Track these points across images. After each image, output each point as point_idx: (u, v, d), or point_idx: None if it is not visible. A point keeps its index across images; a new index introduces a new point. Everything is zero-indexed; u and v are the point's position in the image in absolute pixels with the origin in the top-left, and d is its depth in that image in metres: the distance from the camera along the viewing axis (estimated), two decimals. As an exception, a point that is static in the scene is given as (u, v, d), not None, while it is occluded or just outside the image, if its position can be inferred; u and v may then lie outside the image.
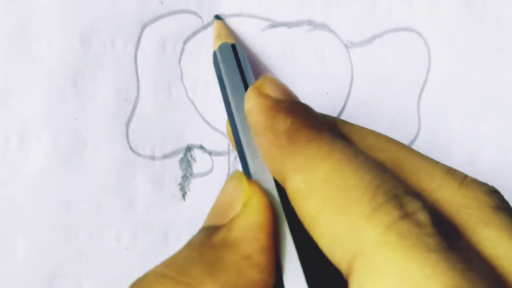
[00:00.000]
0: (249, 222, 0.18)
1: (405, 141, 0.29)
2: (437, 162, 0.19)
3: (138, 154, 0.29)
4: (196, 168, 0.29)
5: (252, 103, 0.20)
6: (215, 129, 0.29)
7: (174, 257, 0.18)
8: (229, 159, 0.29)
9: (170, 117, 0.29)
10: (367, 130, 0.21)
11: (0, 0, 0.27)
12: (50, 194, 0.28)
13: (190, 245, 0.18)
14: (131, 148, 0.29)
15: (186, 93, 0.29)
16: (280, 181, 0.19)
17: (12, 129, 0.28)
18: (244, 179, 0.20)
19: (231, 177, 0.20)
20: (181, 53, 0.29)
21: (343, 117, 0.29)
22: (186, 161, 0.29)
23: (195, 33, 0.29)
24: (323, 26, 0.30)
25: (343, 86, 0.30)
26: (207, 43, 0.29)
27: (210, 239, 0.18)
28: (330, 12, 0.29)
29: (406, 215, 0.16)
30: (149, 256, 0.29)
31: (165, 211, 0.29)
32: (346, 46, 0.30)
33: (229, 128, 0.24)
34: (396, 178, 0.17)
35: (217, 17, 0.29)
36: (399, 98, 0.29)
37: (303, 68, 0.30)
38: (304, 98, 0.29)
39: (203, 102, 0.29)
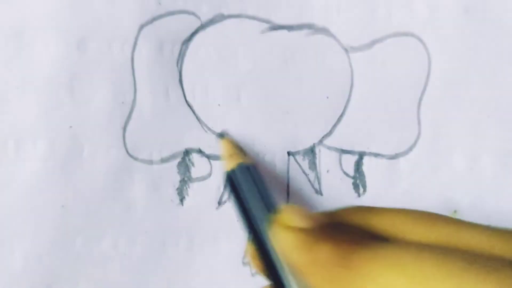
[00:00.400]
0: None
1: (405, 146, 0.29)
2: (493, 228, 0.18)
3: (135, 159, 0.28)
4: (195, 172, 0.29)
5: (284, 241, 0.19)
6: (214, 132, 0.29)
7: None
8: (227, 163, 0.29)
9: (167, 121, 0.29)
10: (403, 217, 0.19)
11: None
12: (46, 199, 0.28)
13: None
14: (128, 152, 0.28)
15: (184, 96, 0.29)
16: None
17: (8, 134, 0.27)
18: None
19: None
20: (179, 55, 0.29)
21: (343, 121, 0.29)
22: (184, 165, 0.29)
23: (193, 34, 0.29)
24: (324, 30, 0.29)
25: (343, 90, 0.29)
26: (206, 44, 0.29)
27: None
28: (330, 16, 0.29)
29: None
30: (147, 262, 0.28)
31: (163, 216, 0.29)
32: (346, 50, 0.29)
33: (253, 253, 0.23)
34: (473, 255, 0.16)
35: (221, 135, 0.28)
36: (399, 103, 0.29)
37: (303, 72, 0.29)
38: (304, 102, 0.29)
39: (202, 105, 0.29)
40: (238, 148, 0.28)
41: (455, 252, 0.16)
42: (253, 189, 0.25)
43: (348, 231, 0.18)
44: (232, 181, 0.26)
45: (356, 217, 0.20)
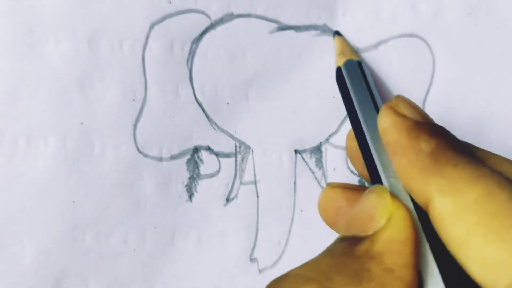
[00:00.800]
0: (394, 236, 0.18)
1: (409, 146, 0.30)
2: None
3: (145, 155, 0.29)
4: (203, 169, 0.29)
5: (389, 121, 0.20)
6: (223, 130, 0.30)
7: (316, 262, 0.18)
8: (236, 160, 0.30)
9: (177, 118, 0.29)
10: (500, 157, 0.21)
11: (6, 1, 0.27)
12: (57, 195, 0.28)
13: (331, 253, 0.18)
14: (138, 149, 0.29)
15: (194, 94, 0.29)
16: (420, 202, 0.19)
17: (20, 131, 0.27)
18: (387, 194, 0.20)
19: (371, 190, 0.20)
20: (189, 53, 0.29)
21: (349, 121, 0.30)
22: (193, 163, 0.29)
23: (203, 33, 0.29)
24: (330, 32, 0.30)
25: (349, 90, 0.30)
26: (216, 43, 0.29)
27: (353, 249, 0.18)
28: (336, 18, 0.30)
29: None
30: (156, 257, 0.29)
31: (172, 212, 0.29)
32: (353, 50, 0.30)
33: (351, 145, 0.24)
34: None
35: (337, 33, 0.29)
36: (404, 103, 0.30)
37: (310, 72, 0.30)
38: (311, 101, 0.30)
39: (211, 103, 0.29)
40: (352, 47, 0.29)
41: None
42: (361, 84, 0.25)
43: (453, 137, 0.20)
44: (341, 76, 0.27)
45: (474, 149, 0.21)
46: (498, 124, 0.30)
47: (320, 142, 0.30)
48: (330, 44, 0.30)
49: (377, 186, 0.20)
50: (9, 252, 0.28)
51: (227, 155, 0.30)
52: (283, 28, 0.30)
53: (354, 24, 0.30)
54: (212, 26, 0.29)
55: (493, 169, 0.19)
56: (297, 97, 0.30)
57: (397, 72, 0.30)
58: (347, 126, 0.30)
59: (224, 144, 0.30)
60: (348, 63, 0.27)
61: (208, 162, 0.29)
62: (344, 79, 0.26)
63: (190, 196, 0.29)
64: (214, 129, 0.29)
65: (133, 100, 0.29)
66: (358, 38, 0.30)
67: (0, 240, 0.28)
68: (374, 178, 0.22)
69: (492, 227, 0.16)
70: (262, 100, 0.30)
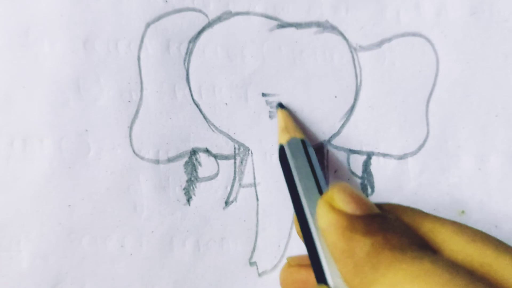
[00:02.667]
0: None
1: (414, 146, 0.30)
2: None
3: (142, 158, 0.29)
4: (202, 172, 0.29)
5: (326, 221, 0.19)
6: (221, 131, 0.29)
7: None
8: (235, 162, 0.29)
9: (174, 120, 0.29)
10: (449, 227, 0.19)
11: (2, 2, 0.26)
12: (53, 199, 0.28)
13: None
14: (134, 151, 0.28)
15: (191, 95, 0.29)
16: None
17: (15, 133, 0.27)
18: None
19: None
20: (186, 53, 0.29)
21: (351, 121, 0.29)
22: (191, 165, 0.29)
23: (200, 32, 0.29)
24: (332, 29, 0.29)
25: (351, 89, 0.30)
26: (213, 42, 0.29)
27: None
28: (339, 15, 0.29)
29: None
30: (154, 261, 0.29)
31: (169, 216, 0.29)
32: (355, 49, 0.29)
33: (298, 228, 0.23)
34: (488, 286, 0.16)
35: (281, 105, 0.28)
36: (407, 103, 0.30)
37: (312, 71, 0.29)
38: (312, 101, 0.29)
39: (209, 104, 0.29)
40: (296, 123, 0.28)
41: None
42: (304, 164, 0.24)
43: (393, 229, 0.19)
44: (283, 154, 0.26)
45: (404, 216, 0.20)
46: (501, 124, 0.29)
47: (322, 143, 0.30)
48: (333, 41, 0.29)
49: None
50: (6, 256, 0.28)
51: (225, 157, 0.29)
52: (283, 25, 0.29)
53: (357, 22, 0.29)
54: (209, 25, 0.29)
55: (440, 259, 0.17)
56: (297, 97, 0.29)
57: (400, 71, 0.30)
58: (350, 126, 0.30)
59: (223, 146, 0.29)
60: (292, 141, 0.26)
61: (206, 165, 0.29)
62: (286, 159, 0.25)
63: (188, 200, 0.29)
64: (212, 130, 0.29)
65: (129, 101, 0.28)
66: (361, 35, 0.30)
67: (-4, 244, 0.28)
68: (319, 275, 0.20)
69: None
70: (261, 100, 0.29)
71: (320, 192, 0.23)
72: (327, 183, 0.29)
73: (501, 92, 0.29)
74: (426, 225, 0.19)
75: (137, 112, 0.29)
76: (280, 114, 0.28)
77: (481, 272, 0.17)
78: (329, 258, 0.20)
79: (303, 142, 0.26)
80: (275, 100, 0.29)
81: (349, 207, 0.19)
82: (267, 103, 0.29)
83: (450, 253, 0.18)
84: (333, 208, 0.19)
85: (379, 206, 0.20)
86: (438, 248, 0.19)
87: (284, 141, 0.26)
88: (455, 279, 0.16)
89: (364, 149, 0.30)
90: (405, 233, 0.19)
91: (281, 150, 0.26)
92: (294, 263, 0.24)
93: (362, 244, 0.18)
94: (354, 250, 0.18)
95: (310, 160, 0.25)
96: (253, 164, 0.29)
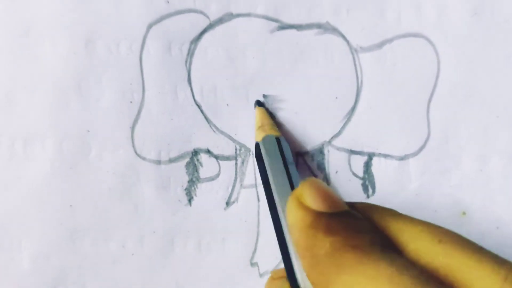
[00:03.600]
0: None
1: (415, 147, 0.30)
2: (503, 261, 0.18)
3: (143, 159, 0.29)
4: (203, 172, 0.29)
5: (292, 218, 0.19)
6: (223, 132, 0.29)
7: None
8: (236, 163, 0.30)
9: (176, 121, 0.29)
10: (417, 227, 0.19)
11: (3, 3, 0.27)
12: (54, 199, 0.28)
13: None
14: (136, 152, 0.29)
15: (193, 96, 0.29)
16: None
17: (17, 134, 0.28)
18: None
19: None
20: (188, 54, 0.29)
21: (352, 122, 0.30)
22: (193, 166, 0.29)
23: (202, 33, 0.29)
24: (333, 30, 0.30)
25: (352, 90, 0.30)
26: (215, 44, 0.29)
27: None
28: (339, 16, 0.29)
29: None
30: (155, 262, 0.29)
31: (171, 217, 0.29)
32: (355, 50, 0.30)
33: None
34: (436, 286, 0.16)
35: (258, 103, 0.29)
36: (408, 104, 0.30)
37: (312, 72, 0.30)
38: (313, 102, 0.30)
39: (210, 105, 0.29)
40: (272, 121, 0.28)
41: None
42: (277, 162, 0.25)
43: (356, 228, 0.19)
44: (259, 152, 0.26)
45: (375, 215, 0.20)
46: (503, 125, 0.30)
47: (323, 144, 0.30)
48: (333, 43, 0.30)
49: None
50: (7, 257, 0.28)
51: (227, 158, 0.30)
52: (284, 27, 0.30)
53: (358, 22, 0.30)
54: (211, 26, 0.29)
55: (399, 262, 0.17)
56: (298, 98, 0.30)
57: (401, 72, 0.30)
58: (351, 127, 0.30)
59: (224, 147, 0.30)
60: (266, 139, 0.26)
61: (207, 165, 0.29)
62: (261, 156, 0.26)
63: (190, 200, 0.29)
64: (214, 131, 0.29)
65: (131, 102, 0.29)
66: (362, 36, 0.30)
67: (-2, 244, 0.28)
68: (289, 273, 0.21)
69: None
70: (262, 102, 0.30)
71: (293, 189, 0.23)
72: (328, 184, 0.30)
73: (502, 93, 0.30)
74: (395, 224, 0.19)
75: (138, 113, 0.29)
76: (257, 112, 0.28)
77: (445, 273, 0.17)
78: (297, 256, 0.20)
79: (277, 139, 0.26)
80: (275, 100, 0.30)
81: (315, 203, 0.19)
82: (268, 104, 0.29)
83: (416, 253, 0.18)
84: (301, 204, 0.19)
85: (351, 205, 0.21)
86: (403, 248, 0.19)
87: (259, 139, 0.26)
88: (407, 281, 0.16)
89: (365, 150, 0.30)
90: (369, 233, 0.19)
91: (257, 147, 0.26)
92: (277, 276, 0.24)
93: (323, 243, 0.18)
94: (315, 248, 0.18)
95: (284, 158, 0.25)
96: (254, 165, 0.30)
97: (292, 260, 0.20)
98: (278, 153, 0.25)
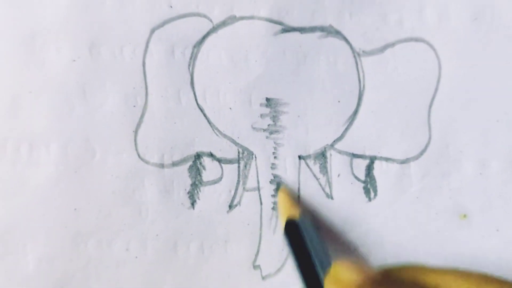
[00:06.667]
0: None
1: (416, 151, 0.31)
2: None
3: (147, 162, 0.30)
4: (206, 176, 0.30)
5: None
6: (225, 136, 0.30)
7: None
8: (239, 166, 0.30)
9: (179, 124, 0.30)
10: (454, 275, 0.20)
11: (8, 9, 0.27)
12: (59, 203, 0.29)
13: None
14: (139, 156, 0.30)
15: (196, 100, 0.30)
16: None
17: (22, 138, 0.29)
18: None
19: None
20: (191, 58, 0.30)
21: (354, 126, 0.31)
22: (196, 169, 0.30)
23: (205, 36, 0.30)
24: (336, 33, 0.30)
25: (354, 94, 0.31)
26: (218, 47, 0.30)
27: None
28: (342, 20, 0.30)
29: None
30: (158, 265, 0.30)
31: (174, 220, 0.30)
32: (358, 54, 0.30)
33: None
34: None
35: (278, 185, 0.30)
36: (410, 108, 0.31)
37: (315, 75, 0.30)
38: (315, 105, 0.30)
39: (213, 109, 0.30)
40: (294, 199, 0.30)
41: None
42: (316, 241, 0.26)
43: (403, 284, 0.20)
44: (288, 235, 0.27)
45: (409, 274, 0.21)
46: (503, 130, 0.31)
47: (325, 148, 0.31)
48: (336, 46, 0.30)
49: None
50: (13, 260, 0.29)
51: (229, 161, 0.30)
52: (287, 30, 0.30)
53: (360, 27, 0.31)
54: (214, 30, 0.30)
55: None
56: (301, 101, 0.30)
57: (403, 76, 0.31)
58: (353, 131, 0.31)
59: (227, 150, 0.30)
60: (303, 219, 0.28)
61: (210, 169, 0.30)
62: (300, 235, 0.27)
63: (193, 203, 0.30)
64: (217, 134, 0.30)
65: (134, 106, 0.29)
66: (364, 40, 0.31)
67: (4, 247, 0.29)
68: None
69: None
70: (265, 105, 0.30)
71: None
72: (330, 187, 0.30)
73: (503, 97, 0.31)
74: (429, 278, 0.21)
75: (142, 116, 0.30)
76: (280, 195, 0.30)
77: None
78: None
79: (302, 221, 0.28)
80: (278, 104, 0.30)
81: (354, 275, 0.21)
82: (271, 107, 0.30)
83: None
84: (340, 281, 0.21)
85: (382, 270, 0.22)
86: None
87: (296, 216, 0.28)
88: None
89: (367, 153, 0.31)
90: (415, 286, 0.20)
91: (291, 225, 0.28)
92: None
93: None
94: None
95: (311, 239, 0.27)
96: (256, 168, 0.30)
97: None
98: (315, 234, 0.27)
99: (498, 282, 0.20)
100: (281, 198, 0.29)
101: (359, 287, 0.20)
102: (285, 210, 0.28)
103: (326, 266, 0.24)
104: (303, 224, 0.27)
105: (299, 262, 0.26)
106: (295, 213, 0.28)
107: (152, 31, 0.29)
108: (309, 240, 0.26)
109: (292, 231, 0.27)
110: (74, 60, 0.29)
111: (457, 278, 0.20)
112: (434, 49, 0.30)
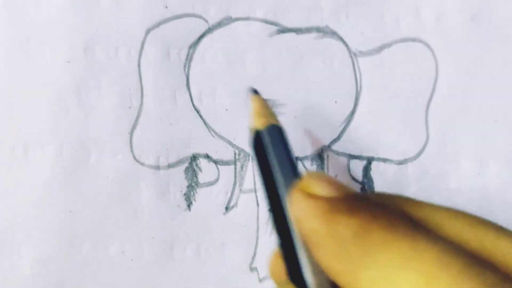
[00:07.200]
0: None
1: (414, 151, 0.31)
2: None
3: (142, 164, 0.30)
4: (202, 177, 0.30)
5: (301, 209, 0.18)
6: (221, 137, 0.30)
7: None
8: (235, 168, 0.30)
9: (175, 126, 0.30)
10: (447, 212, 0.18)
11: (2, 10, 0.27)
12: (54, 205, 0.29)
13: None
14: (135, 157, 0.29)
15: (192, 101, 0.30)
16: None
17: (16, 140, 0.28)
18: None
19: None
20: (186, 59, 0.30)
21: (352, 126, 0.30)
22: (192, 171, 0.30)
23: (200, 37, 0.30)
24: (332, 34, 0.30)
25: (351, 94, 0.31)
26: (213, 48, 0.30)
27: None
28: (339, 20, 0.30)
29: None
30: (154, 267, 0.30)
31: (170, 222, 0.30)
32: (355, 54, 0.30)
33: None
34: (503, 277, 0.15)
35: (255, 91, 0.26)
36: (407, 108, 0.31)
37: (312, 76, 0.30)
38: (312, 106, 0.30)
39: (209, 110, 0.30)
40: (271, 108, 0.25)
41: (479, 269, 0.15)
42: (282, 153, 0.23)
43: (380, 207, 0.17)
44: (257, 142, 0.24)
45: (394, 202, 0.18)
46: (500, 130, 0.30)
47: (322, 149, 0.31)
48: (333, 47, 0.30)
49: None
50: (7, 262, 0.29)
51: (226, 163, 0.30)
52: (283, 30, 0.30)
53: (357, 27, 0.31)
54: (209, 30, 0.30)
55: (438, 237, 0.16)
56: (297, 102, 0.30)
57: (400, 76, 0.31)
58: (350, 132, 0.31)
59: (223, 152, 0.30)
60: (271, 128, 0.24)
61: (206, 170, 0.30)
62: (263, 146, 0.23)
63: (189, 205, 0.30)
64: (213, 136, 0.30)
65: (130, 107, 0.29)
66: (361, 40, 0.31)
67: (-2, 250, 0.29)
68: (294, 271, 0.19)
69: None
70: (261, 106, 0.30)
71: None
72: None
73: (500, 97, 0.31)
74: (419, 211, 0.18)
75: (137, 118, 0.30)
76: (255, 99, 0.26)
77: (480, 256, 0.16)
78: (306, 251, 0.19)
79: (280, 130, 0.24)
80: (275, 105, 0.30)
81: (327, 190, 0.18)
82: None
83: (446, 235, 0.17)
84: (309, 194, 0.18)
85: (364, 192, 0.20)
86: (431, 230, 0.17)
87: (261, 126, 0.24)
88: (455, 259, 0.15)
89: (364, 154, 0.31)
90: (395, 211, 0.17)
91: (256, 136, 0.24)
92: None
93: (348, 225, 0.16)
94: (338, 233, 0.16)
95: (288, 149, 0.24)
96: (253, 169, 0.30)
97: (299, 258, 0.19)
98: (283, 144, 0.24)
99: (493, 226, 0.17)
100: (256, 101, 0.25)
101: (331, 202, 0.17)
102: (260, 115, 0.24)
103: (295, 180, 0.21)
104: (270, 135, 0.24)
105: (263, 178, 0.23)
106: (262, 123, 0.25)
107: (148, 31, 0.29)
108: (276, 153, 0.23)
109: (258, 143, 0.24)
110: (68, 62, 0.29)
111: (449, 216, 0.18)
112: (431, 49, 0.31)
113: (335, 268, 0.17)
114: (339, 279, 0.17)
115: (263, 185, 0.23)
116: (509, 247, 0.16)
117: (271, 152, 0.23)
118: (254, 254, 0.31)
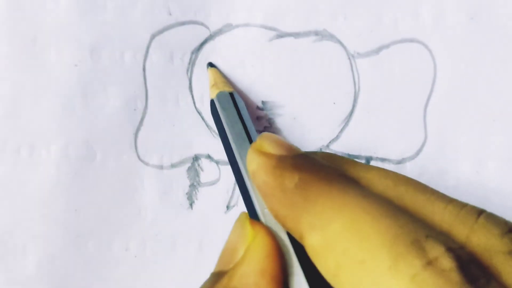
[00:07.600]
0: (251, 268, 0.19)
1: (412, 151, 0.31)
2: (451, 200, 0.19)
3: (146, 164, 0.31)
4: (204, 177, 0.31)
5: (255, 164, 0.21)
6: (223, 138, 0.31)
7: None
8: (236, 168, 0.31)
9: (178, 127, 0.31)
10: (377, 171, 0.21)
11: (10, 11, 0.29)
12: (59, 204, 0.30)
13: None
14: (139, 157, 0.31)
15: (194, 104, 0.31)
16: (298, 240, 0.19)
17: (22, 140, 0.30)
18: (247, 221, 0.21)
19: (237, 219, 0.22)
20: (189, 64, 0.31)
21: (350, 127, 0.31)
22: (194, 171, 0.31)
23: (203, 43, 0.31)
24: (330, 37, 0.31)
25: (349, 95, 0.31)
26: (215, 53, 0.31)
27: (213, 287, 0.20)
28: (337, 22, 0.31)
29: (429, 263, 0.15)
30: (157, 265, 0.30)
31: (173, 220, 0.31)
32: (353, 56, 0.31)
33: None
34: (414, 219, 0.17)
35: (211, 64, 0.31)
36: (405, 109, 0.31)
37: (311, 78, 0.31)
38: (311, 108, 0.31)
39: (210, 112, 0.31)
40: (225, 78, 0.30)
41: (393, 212, 0.17)
42: (234, 116, 0.27)
43: (320, 164, 0.20)
44: (215, 108, 0.28)
45: (331, 161, 0.21)
46: (499, 129, 0.31)
47: (321, 149, 0.31)
48: (331, 49, 0.31)
49: (241, 213, 0.22)
50: (12, 261, 0.30)
51: (227, 163, 0.31)
52: (282, 35, 0.32)
53: (355, 29, 0.32)
54: (211, 37, 0.31)
55: (364, 189, 0.19)
56: (297, 104, 0.31)
57: (398, 77, 0.31)
58: (348, 132, 0.31)
59: (224, 152, 0.31)
60: (221, 95, 0.28)
61: (208, 170, 0.31)
62: (217, 112, 0.28)
63: (191, 204, 0.31)
64: (214, 137, 0.31)
65: (134, 109, 0.31)
66: (359, 42, 0.32)
67: (4, 249, 0.30)
68: (249, 205, 0.23)
69: (358, 255, 0.16)
70: (261, 108, 0.31)
71: (251, 141, 0.26)
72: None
73: (499, 97, 0.31)
74: (353, 170, 0.21)
75: (142, 119, 0.31)
76: (210, 72, 0.30)
77: (407, 208, 0.19)
78: (259, 199, 0.22)
79: (232, 95, 0.28)
80: (274, 107, 0.31)
81: (276, 150, 0.21)
82: (267, 109, 0.31)
83: (377, 191, 0.20)
84: (262, 152, 0.21)
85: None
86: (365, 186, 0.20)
87: (213, 96, 0.29)
88: (382, 208, 0.17)
89: (363, 154, 0.31)
90: (332, 169, 0.20)
91: (212, 104, 0.29)
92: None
93: (291, 178, 0.20)
94: (284, 185, 0.19)
95: (240, 112, 0.27)
96: (254, 169, 0.31)
97: (254, 205, 0.23)
98: (234, 108, 0.28)
99: (414, 183, 0.20)
100: (211, 74, 0.30)
101: (279, 159, 0.21)
102: (214, 86, 0.29)
103: (246, 140, 0.25)
104: (220, 102, 0.28)
105: (223, 141, 0.27)
106: (213, 92, 0.29)
107: (152, 37, 0.31)
108: (227, 116, 0.27)
109: (214, 111, 0.28)
110: (76, 65, 0.30)
111: (379, 175, 0.20)
112: (429, 50, 0.31)
113: (282, 214, 0.20)
114: (285, 224, 0.20)
115: (224, 147, 0.26)
116: (424, 200, 0.19)
117: (223, 116, 0.26)
118: (255, 252, 0.31)
